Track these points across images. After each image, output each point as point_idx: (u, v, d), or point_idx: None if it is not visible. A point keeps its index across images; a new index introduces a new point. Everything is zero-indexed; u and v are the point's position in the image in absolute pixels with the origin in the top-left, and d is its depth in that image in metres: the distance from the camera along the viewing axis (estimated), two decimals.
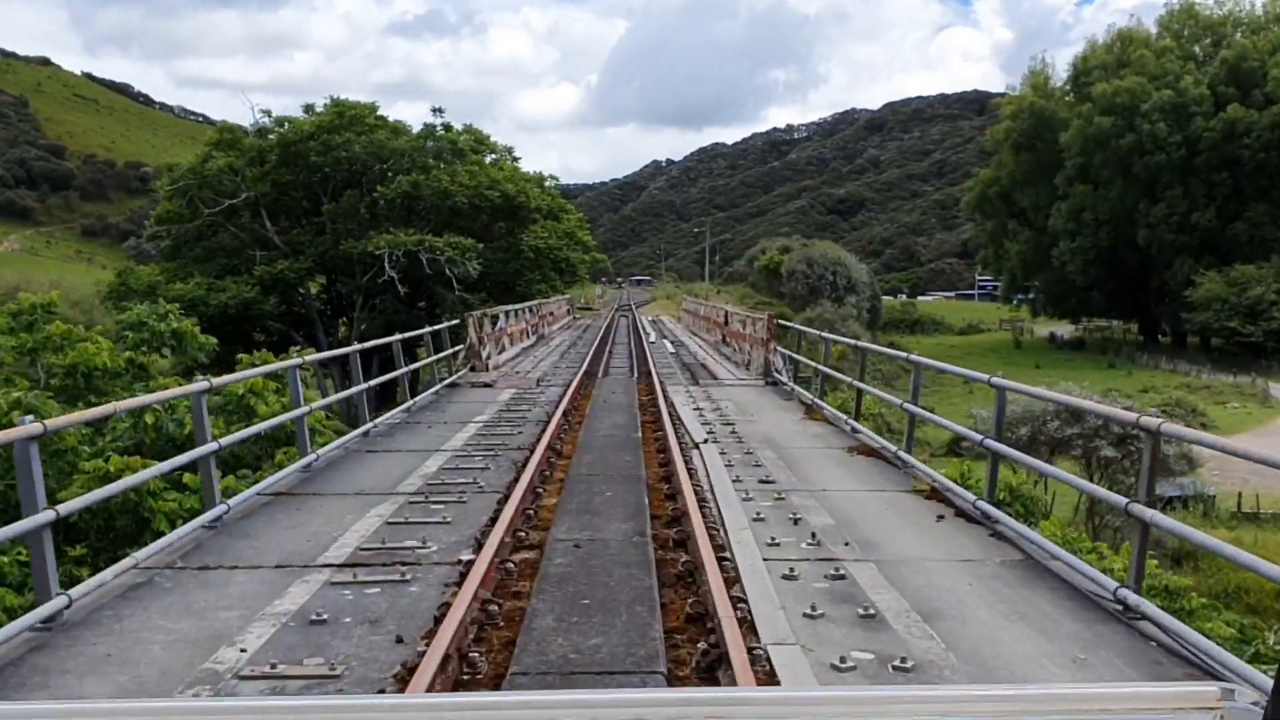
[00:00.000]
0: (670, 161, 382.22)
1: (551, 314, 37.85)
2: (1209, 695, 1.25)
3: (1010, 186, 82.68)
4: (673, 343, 32.49)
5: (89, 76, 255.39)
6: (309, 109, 48.77)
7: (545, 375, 20.90)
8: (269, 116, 48.67)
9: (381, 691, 4.75)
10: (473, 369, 19.69)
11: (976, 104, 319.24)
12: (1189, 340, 78.23)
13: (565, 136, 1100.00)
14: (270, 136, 49.16)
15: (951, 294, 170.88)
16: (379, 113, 48.13)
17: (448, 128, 47.97)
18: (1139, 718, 1.30)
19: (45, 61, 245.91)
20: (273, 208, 48.75)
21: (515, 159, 50.91)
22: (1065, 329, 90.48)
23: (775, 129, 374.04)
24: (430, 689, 4.50)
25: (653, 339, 34.01)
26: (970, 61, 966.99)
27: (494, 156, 50.62)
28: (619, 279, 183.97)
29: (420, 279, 44.87)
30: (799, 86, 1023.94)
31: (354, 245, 43.67)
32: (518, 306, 28.81)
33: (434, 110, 45.58)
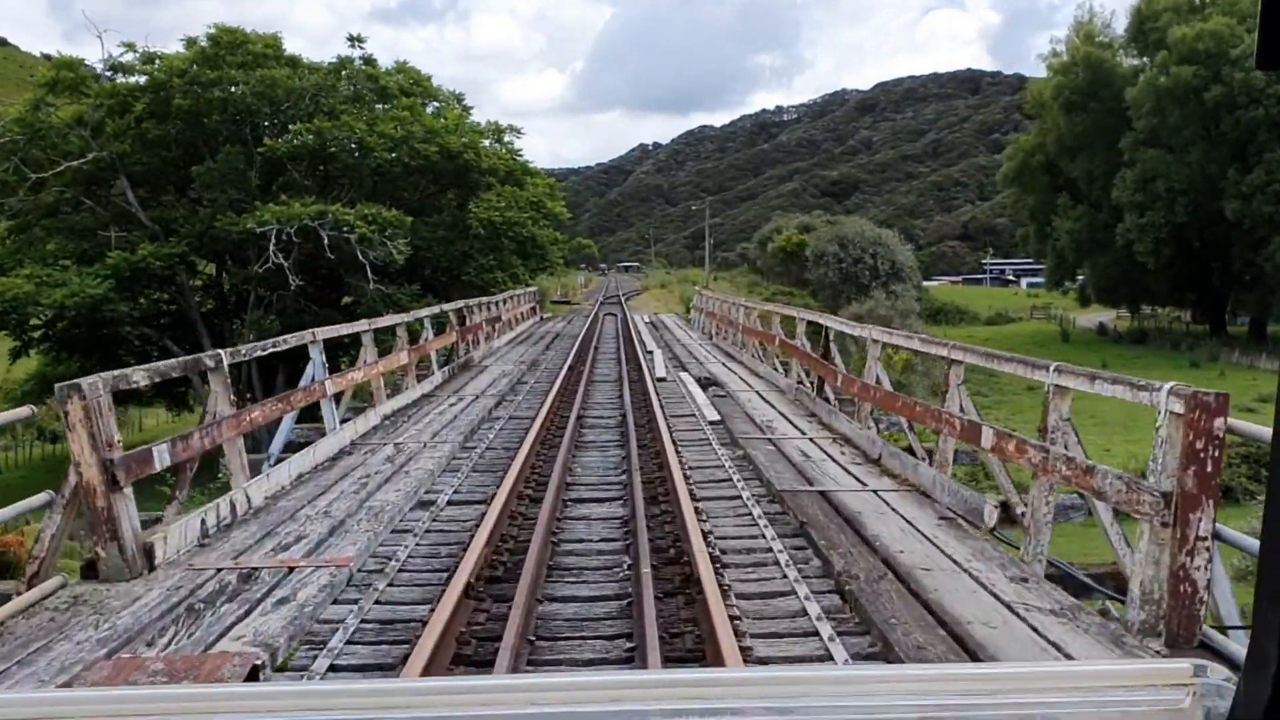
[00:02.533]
0: (657, 145, 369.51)
1: (491, 322, 24.81)
2: (1182, 671, 1.22)
3: (1058, 154, 69.73)
4: (701, 380, 17.71)
5: (46, 58, 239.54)
6: (192, 44, 35.56)
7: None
8: (133, 51, 35.32)
9: None
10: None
11: (970, 84, 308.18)
12: (1269, 330, 65.92)
13: (553, 123, 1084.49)
14: (135, 78, 35.99)
15: (958, 279, 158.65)
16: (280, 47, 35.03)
17: (369, 62, 34.85)
18: (1110, 694, 1.27)
19: (2, 43, 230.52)
20: (143, 174, 35.76)
21: (466, 108, 37.92)
22: (1101, 317, 78.54)
23: (764, 110, 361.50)
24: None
25: (662, 374, 18.77)
26: (958, 45, 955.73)
27: (437, 105, 37.58)
28: (602, 265, 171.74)
29: (333, 267, 32.01)
30: (785, 71, 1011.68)
31: (231, 222, 30.68)
32: (398, 319, 15.85)
33: (351, 40, 31.62)
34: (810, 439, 11.47)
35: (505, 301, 27.63)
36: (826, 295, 46.47)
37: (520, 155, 37.46)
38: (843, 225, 47.51)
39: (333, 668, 4.97)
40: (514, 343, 26.37)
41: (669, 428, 11.74)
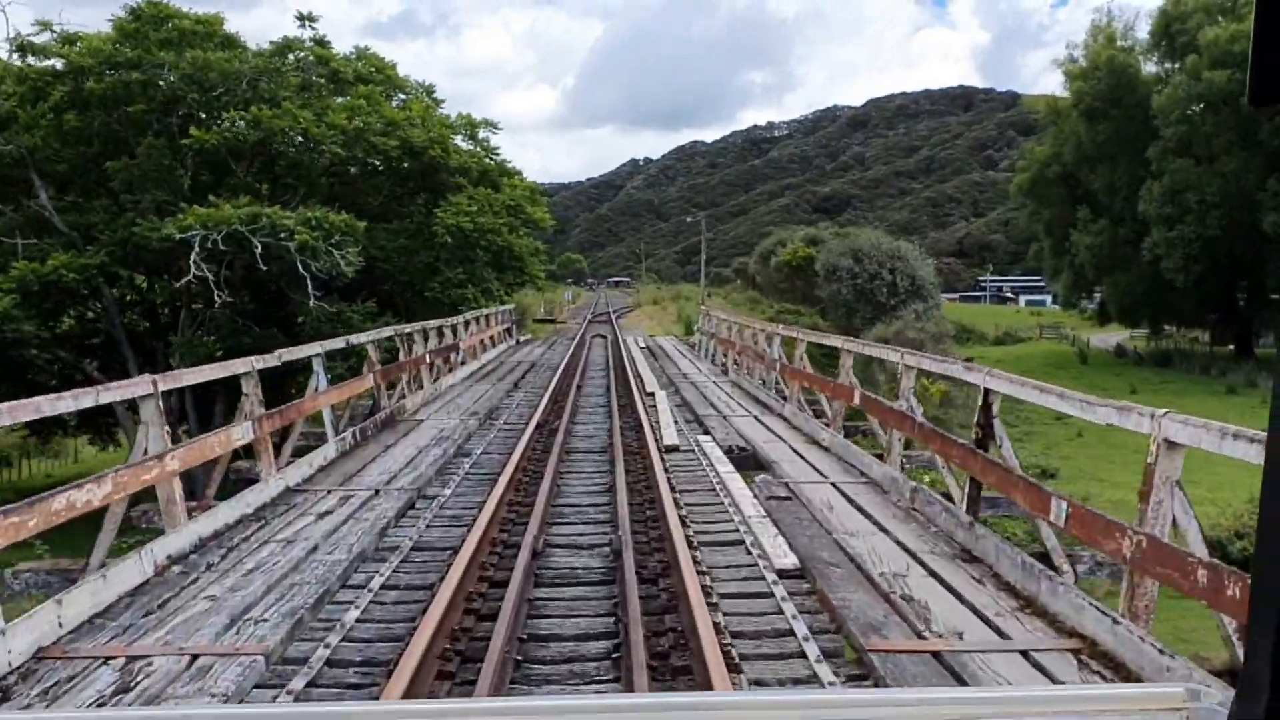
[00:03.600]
0: (648, 160, 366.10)
1: (444, 353, 19.66)
2: (1175, 696, 1.21)
3: (1076, 164, 65.20)
4: (735, 453, 12.24)
5: None
6: (119, 24, 30.53)
7: None
8: (50, 31, 30.30)
9: None
10: None
11: (963, 100, 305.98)
12: None
13: (544, 138, 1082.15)
14: (52, 62, 31.01)
15: (955, 296, 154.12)
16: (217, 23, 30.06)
17: (321, 43, 29.88)
18: (1104, 718, 1.26)
19: None
20: (64, 173, 30.84)
21: (436, 101, 33.01)
22: (1115, 337, 73.88)
23: (756, 126, 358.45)
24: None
25: (673, 439, 13.26)
26: (949, 63, 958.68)
27: (403, 97, 32.68)
28: (590, 280, 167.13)
29: (273, 281, 27.19)
30: (776, 88, 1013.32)
31: (151, 227, 25.75)
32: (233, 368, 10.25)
33: (301, 19, 26.60)
34: (1028, 653, 5.69)
35: (470, 324, 22.63)
36: (839, 314, 41.64)
37: (498, 154, 32.76)
38: (857, 236, 42.73)
39: None
40: (475, 378, 21.30)
41: (704, 598, 6.19)
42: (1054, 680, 5.11)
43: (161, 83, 27.10)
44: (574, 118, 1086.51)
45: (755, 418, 15.34)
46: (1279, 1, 0.93)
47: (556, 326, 40.47)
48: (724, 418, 15.54)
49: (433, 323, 19.83)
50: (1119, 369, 63.40)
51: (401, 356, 16.88)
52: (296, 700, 4.82)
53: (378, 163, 28.91)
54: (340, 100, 28.82)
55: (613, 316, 47.09)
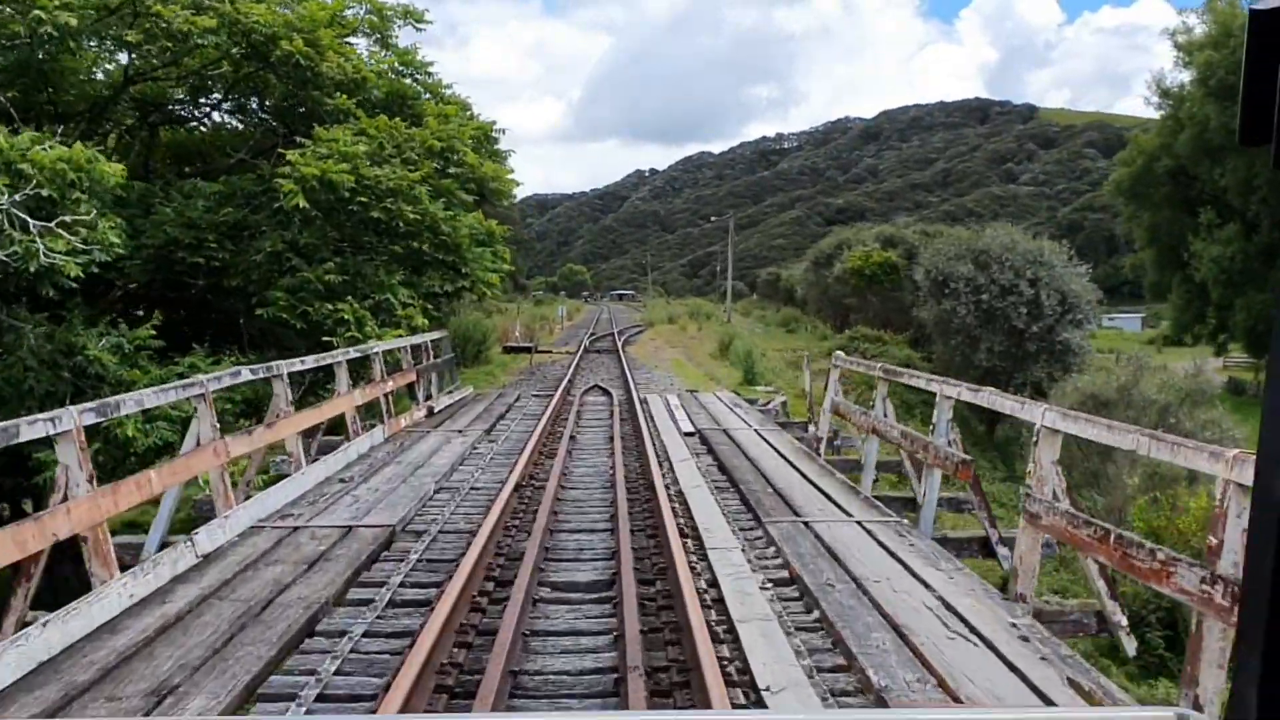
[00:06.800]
0: (654, 171, 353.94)
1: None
2: (1166, 719, 1.20)
3: (1195, 157, 51.49)
4: None
5: None
6: None
7: None
8: None
9: None
10: None
11: (978, 113, 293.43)
12: None
13: (548, 151, 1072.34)
14: None
15: None
16: None
17: None
18: None
19: None
20: None
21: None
22: (1188, 365, 60.33)
23: (765, 138, 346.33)
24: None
25: None
26: (955, 80, 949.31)
27: None
28: (585, 293, 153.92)
29: None
30: (781, 103, 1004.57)
31: None
32: None
33: None
34: None
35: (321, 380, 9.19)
36: (953, 345, 27.85)
37: (432, 71, 18.83)
38: (980, 235, 29.04)
39: None
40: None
41: None
42: None
43: None
44: (577, 131, 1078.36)
45: None
46: (1270, 41, 0.93)
47: (534, 360, 26.23)
48: None
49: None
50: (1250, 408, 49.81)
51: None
52: None
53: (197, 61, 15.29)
54: None
55: (619, 342, 33.18)
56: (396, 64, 18.50)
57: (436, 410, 14.05)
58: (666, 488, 9.23)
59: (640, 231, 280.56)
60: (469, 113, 19.03)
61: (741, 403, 15.57)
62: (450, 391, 15.64)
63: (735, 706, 4.66)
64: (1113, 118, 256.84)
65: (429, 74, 18.93)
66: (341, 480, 9.92)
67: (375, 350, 12.01)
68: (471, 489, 9.73)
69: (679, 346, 31.80)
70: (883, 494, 10.06)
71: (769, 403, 16.01)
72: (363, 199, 14.45)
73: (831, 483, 9.85)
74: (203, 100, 18.86)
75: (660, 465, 10.49)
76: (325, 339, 13.90)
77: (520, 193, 28.26)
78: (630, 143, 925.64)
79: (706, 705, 4.41)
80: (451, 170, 16.52)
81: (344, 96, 16.10)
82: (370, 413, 12.34)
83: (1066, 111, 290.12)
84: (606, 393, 17.53)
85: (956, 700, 4.60)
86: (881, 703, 4.64)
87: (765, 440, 12.48)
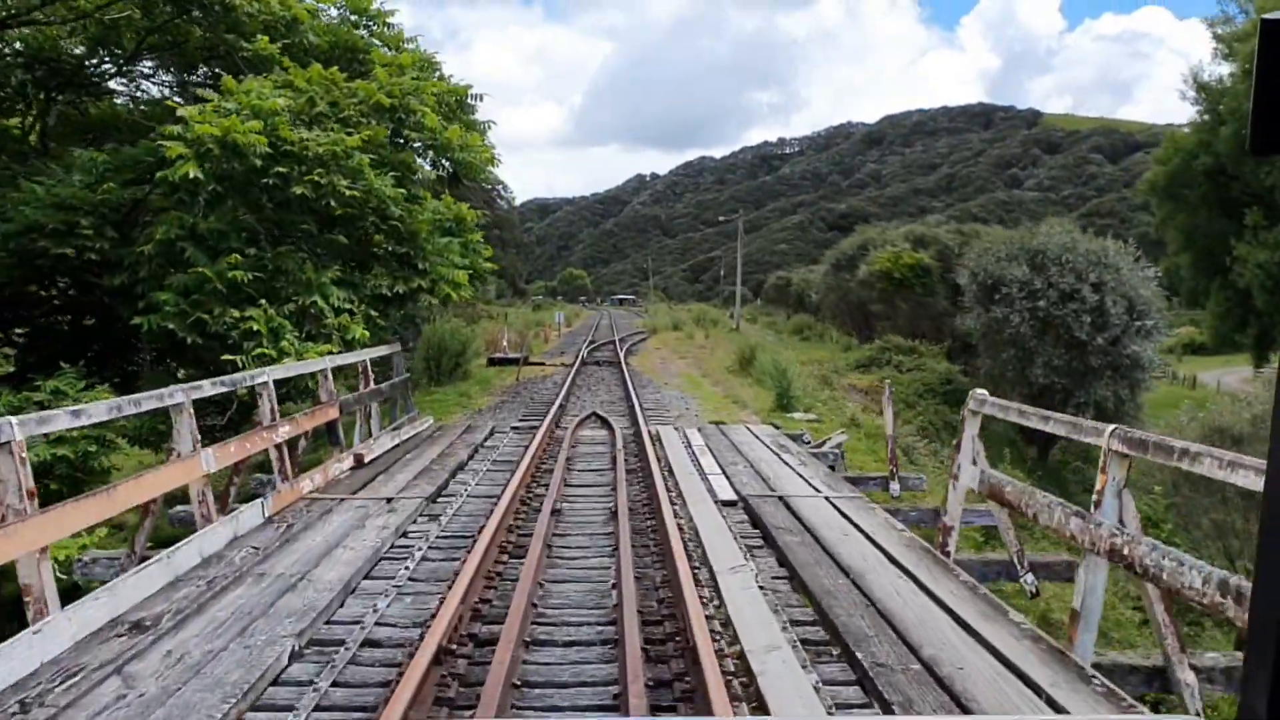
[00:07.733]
0: (655, 176, 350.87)
1: None
2: None
3: (1237, 155, 47.84)
4: None
5: None
6: None
7: None
8: None
9: None
10: None
11: (982, 118, 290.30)
12: None
13: (549, 155, 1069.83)
14: None
15: None
16: None
17: None
18: None
19: None
20: None
21: None
22: (1225, 376, 56.53)
23: (766, 143, 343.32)
24: None
25: None
26: (957, 85, 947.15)
27: None
28: (583, 298, 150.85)
29: None
30: (783, 108, 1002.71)
31: None
32: None
33: None
34: None
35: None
36: (1007, 357, 24.08)
37: (393, 23, 14.98)
38: (1034, 234, 25.20)
39: None
40: None
41: None
42: None
43: None
44: (578, 135, 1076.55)
45: None
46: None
47: (521, 376, 22.19)
48: None
49: None
50: None
51: None
52: None
53: None
54: None
55: (621, 351, 29.31)
56: (346, 8, 14.76)
57: (369, 460, 10.18)
58: (718, 652, 5.00)
59: (641, 236, 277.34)
60: (438, 74, 15.27)
61: (787, 443, 11.57)
62: (398, 427, 11.80)
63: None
64: (1116, 123, 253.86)
65: (388, 25, 15.19)
66: (133, 627, 5.39)
67: (262, 378, 8.14)
68: (365, 644, 5.42)
69: (688, 357, 28.03)
70: (1116, 661, 5.44)
71: (822, 443, 12.10)
72: (281, 169, 10.75)
73: (1028, 649, 4.95)
74: (109, 60, 15.14)
75: (697, 582, 6.29)
76: (228, 356, 10.20)
77: (521, 197, 24.61)
78: (631, 147, 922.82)
79: None
80: (406, 133, 12.82)
81: (266, 39, 12.43)
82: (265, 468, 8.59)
83: (1071, 117, 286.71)
84: (607, 425, 13.63)
85: None
86: None
87: (851, 522, 7.99)
